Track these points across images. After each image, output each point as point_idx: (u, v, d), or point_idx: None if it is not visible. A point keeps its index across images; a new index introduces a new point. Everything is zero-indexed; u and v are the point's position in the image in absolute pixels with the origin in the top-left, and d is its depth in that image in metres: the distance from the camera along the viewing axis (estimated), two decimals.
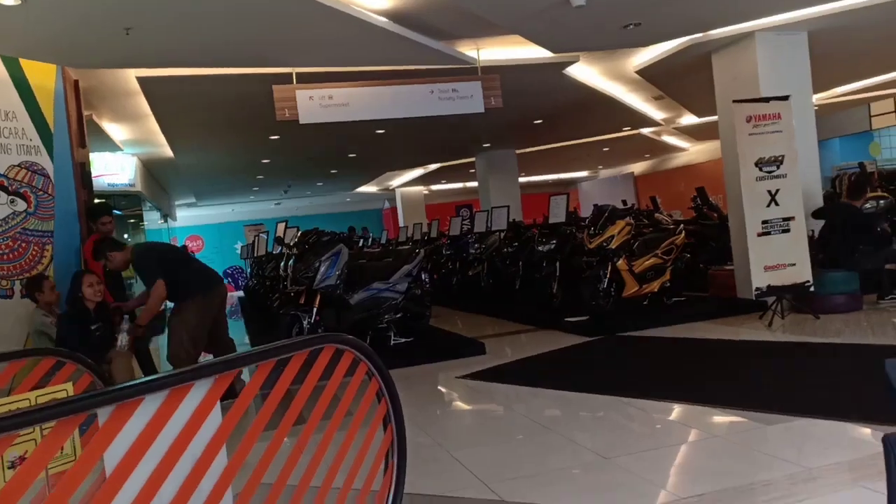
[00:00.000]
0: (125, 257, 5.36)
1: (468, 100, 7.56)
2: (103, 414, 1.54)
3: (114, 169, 11.52)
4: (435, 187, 23.71)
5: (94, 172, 7.58)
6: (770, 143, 7.17)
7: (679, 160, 20.42)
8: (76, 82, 6.62)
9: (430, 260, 10.95)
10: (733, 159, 7.46)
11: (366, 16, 5.92)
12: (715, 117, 8.67)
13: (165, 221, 18.34)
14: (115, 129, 9.87)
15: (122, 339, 5.10)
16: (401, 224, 20.94)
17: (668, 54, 8.36)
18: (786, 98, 7.26)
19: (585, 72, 9.31)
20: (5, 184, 5.60)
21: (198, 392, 1.74)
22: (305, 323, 6.54)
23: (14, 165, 5.67)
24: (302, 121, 7.09)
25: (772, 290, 7.00)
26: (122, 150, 11.23)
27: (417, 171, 19.24)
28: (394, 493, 2.37)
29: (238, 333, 11.94)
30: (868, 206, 7.94)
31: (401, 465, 2.40)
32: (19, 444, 2.43)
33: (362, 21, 5.89)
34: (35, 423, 1.51)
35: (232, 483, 1.87)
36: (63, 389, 2.67)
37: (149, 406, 1.62)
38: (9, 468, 2.43)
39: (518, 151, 15.85)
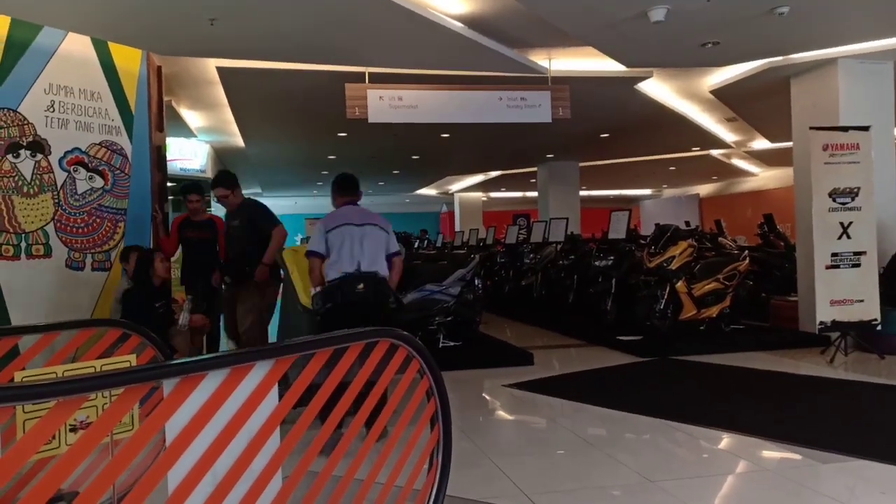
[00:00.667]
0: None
1: (536, 109, 7.54)
2: (168, 385, 1.61)
3: (187, 154, 11.92)
4: (494, 194, 23.71)
5: (168, 156, 7.85)
6: (846, 174, 6.93)
7: (747, 185, 19.89)
8: (159, 68, 6.88)
9: (483, 266, 10.95)
10: (806, 188, 7.23)
11: (442, 20, 5.98)
12: (789, 143, 8.43)
13: None
14: (192, 116, 10.21)
15: (184, 318, 5.27)
16: (457, 228, 21.01)
17: (745, 76, 8.17)
18: (866, 129, 7.00)
19: (658, 88, 9.18)
20: (85, 161, 5.85)
21: (258, 372, 1.79)
22: None
23: (95, 144, 5.92)
24: (371, 120, 7.20)
25: (836, 325, 6.75)
26: (196, 136, 11.62)
27: (478, 177, 19.28)
28: (436, 493, 2.39)
29: None
30: None
31: (445, 465, 2.42)
32: (83, 408, 2.55)
33: (438, 25, 5.95)
34: (105, 388, 1.59)
35: (282, 465, 1.92)
36: (127, 360, 2.78)
37: (211, 381, 1.68)
38: (70, 431, 2.55)
39: (581, 164, 15.71)
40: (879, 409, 4.96)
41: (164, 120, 7.18)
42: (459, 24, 6.24)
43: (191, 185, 6.69)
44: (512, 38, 6.85)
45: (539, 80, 7.73)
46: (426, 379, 2.38)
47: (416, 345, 2.27)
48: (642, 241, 9.13)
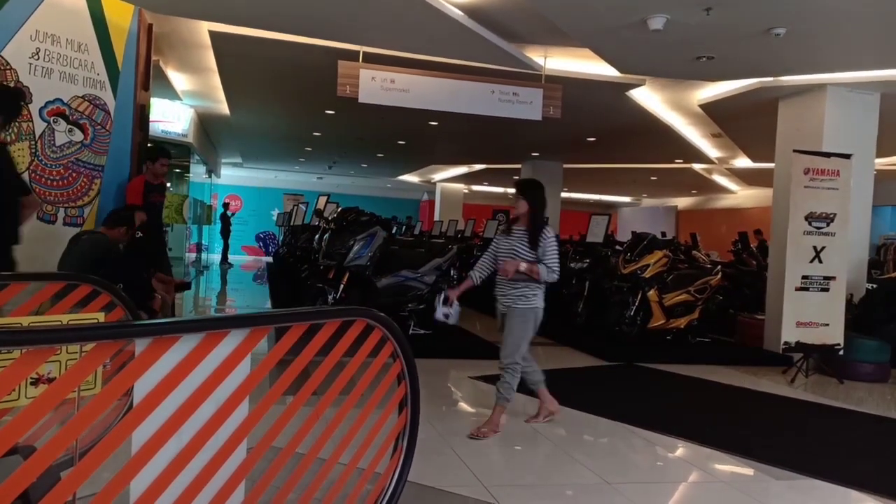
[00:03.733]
0: None
1: (527, 105, 7.54)
2: (141, 344, 1.58)
3: (170, 117, 11.73)
4: (476, 188, 23.72)
5: (150, 117, 7.72)
6: (824, 199, 7.05)
7: (725, 202, 20.15)
8: (150, 26, 6.75)
9: (460, 258, 10.95)
10: (784, 209, 7.34)
11: (443, 6, 5.94)
12: (770, 164, 8.54)
13: (210, 176, 18.62)
14: (178, 79, 10.04)
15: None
16: (436, 218, 20.99)
17: (735, 93, 8.25)
18: (848, 156, 7.12)
19: (648, 97, 9.23)
20: (66, 112, 5.73)
21: (232, 340, 1.77)
22: (330, 298, 6.60)
23: (78, 96, 5.80)
24: (361, 100, 7.14)
25: (800, 346, 6.88)
26: (181, 99, 11.43)
27: (462, 169, 19.26)
28: (398, 476, 2.39)
29: (261, 298, 12.10)
30: None
31: (409, 450, 2.42)
32: (48, 362, 2.50)
33: (439, 11, 5.91)
34: (76, 342, 1.55)
35: (248, 436, 1.90)
36: (95, 318, 2.73)
37: (185, 345, 1.65)
38: (31, 385, 2.50)
39: (565, 165, 15.77)
40: (833, 431, 5.07)
41: (150, 79, 7.05)
42: (459, 13, 6.20)
43: (163, 149, 6.58)
44: (510, 31, 6.83)
45: (533, 77, 7.72)
46: (398, 363, 2.37)
47: (391, 327, 2.26)
48: (619, 247, 9.20)
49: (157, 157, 6.18)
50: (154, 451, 1.61)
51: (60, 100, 5.64)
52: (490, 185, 22.83)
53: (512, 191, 18.54)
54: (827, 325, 6.99)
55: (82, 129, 5.86)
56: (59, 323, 2.39)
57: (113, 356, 2.15)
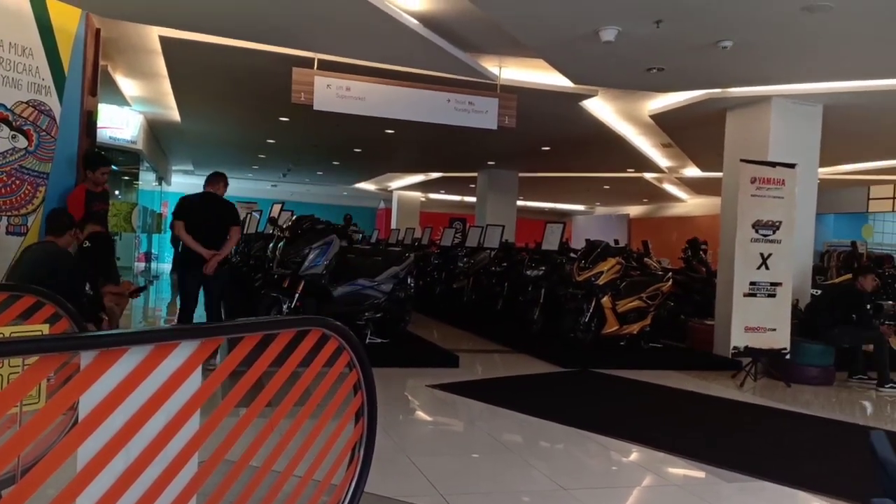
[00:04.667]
0: None
1: (483, 115, 7.59)
2: (87, 357, 1.53)
3: (118, 123, 11.46)
4: (433, 196, 23.75)
5: (98, 123, 7.52)
6: (770, 208, 7.26)
7: (675, 210, 20.61)
8: (98, 31, 6.58)
9: (417, 267, 10.96)
10: (732, 217, 7.53)
11: (398, 14, 5.94)
12: (718, 174, 8.76)
13: (160, 184, 18.22)
14: (127, 84, 9.82)
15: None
16: (393, 226, 20.94)
17: (685, 104, 8.45)
18: (792, 166, 7.36)
19: (601, 108, 9.39)
20: (9, 118, 5.55)
21: (182, 352, 1.73)
22: (285, 307, 6.51)
23: (22, 102, 5.62)
24: (316, 107, 7.08)
25: (749, 351, 7.05)
26: (129, 105, 11.18)
27: (418, 177, 19.27)
28: (355, 487, 2.36)
29: None
30: None
31: (367, 460, 2.39)
32: None
33: (394, 19, 5.91)
34: (18, 354, 1.49)
35: (199, 450, 1.86)
36: (38, 330, 2.64)
37: (133, 357, 1.61)
38: None
39: (521, 174, 15.93)
40: (781, 433, 5.21)
41: (97, 85, 6.88)
42: (415, 21, 6.21)
43: (102, 157, 6.42)
44: (465, 41, 6.87)
45: (488, 87, 7.78)
46: (355, 372, 2.35)
47: (348, 336, 2.24)
48: (573, 255, 9.31)
49: (97, 165, 6.02)
50: (101, 467, 1.56)
51: (3, 105, 5.46)
52: (447, 193, 22.89)
53: (470, 199, 18.60)
54: (774, 329, 7.19)
55: (26, 135, 5.67)
56: (1, 335, 2.31)
57: (57, 369, 2.08)
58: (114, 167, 6.62)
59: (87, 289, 5.01)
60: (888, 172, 13.27)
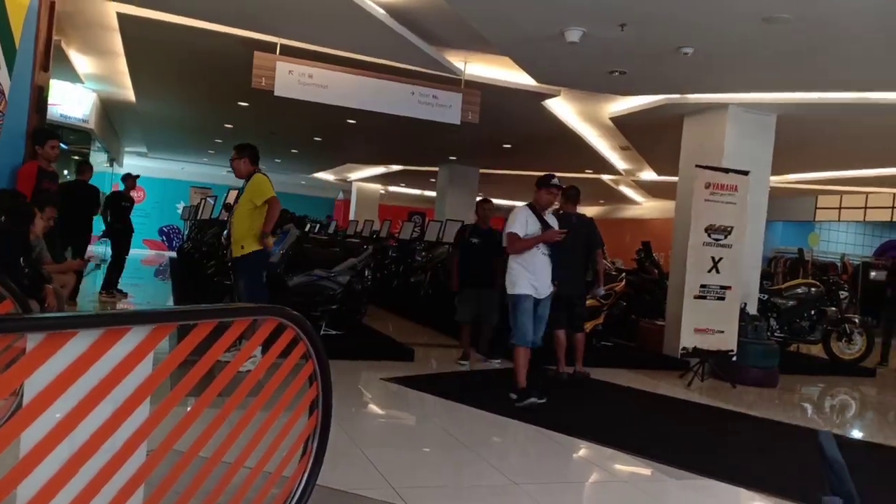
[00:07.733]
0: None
1: (446, 109, 7.58)
2: (33, 340, 1.47)
3: (70, 101, 11.10)
4: (393, 189, 23.66)
5: (49, 100, 7.27)
6: (723, 213, 7.42)
7: (630, 212, 20.94)
8: (52, 4, 6.34)
9: (374, 259, 10.90)
10: (685, 220, 7.68)
11: (365, 3, 5.89)
12: (673, 178, 8.93)
13: (111, 165, 17.73)
14: (81, 61, 9.52)
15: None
16: (352, 218, 20.78)
17: (644, 108, 8.58)
18: (745, 173, 7.53)
19: (563, 108, 9.47)
20: None
21: (134, 337, 1.68)
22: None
23: None
24: (277, 93, 6.98)
25: (697, 352, 7.21)
26: (82, 83, 10.84)
27: (379, 169, 19.16)
28: (307, 480, 2.34)
29: (163, 294, 11.62)
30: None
31: (320, 452, 2.37)
32: None
33: (361, 7, 5.85)
34: None
35: (148, 439, 1.81)
36: None
37: (82, 340, 1.56)
38: None
39: (482, 170, 15.97)
40: (725, 433, 5.35)
41: (50, 60, 6.64)
42: (382, 11, 6.17)
43: (50, 131, 6.20)
44: (432, 35, 6.85)
45: (452, 81, 7.78)
46: (310, 363, 2.32)
47: (305, 327, 2.21)
48: None
49: (45, 139, 5.81)
50: (45, 454, 1.51)
51: None
52: (407, 186, 22.82)
53: (430, 193, 18.52)
54: (722, 331, 7.36)
55: None
56: None
57: (1, 351, 2.00)
58: (64, 145, 6.38)
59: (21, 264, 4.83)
60: (835, 183, 13.72)
